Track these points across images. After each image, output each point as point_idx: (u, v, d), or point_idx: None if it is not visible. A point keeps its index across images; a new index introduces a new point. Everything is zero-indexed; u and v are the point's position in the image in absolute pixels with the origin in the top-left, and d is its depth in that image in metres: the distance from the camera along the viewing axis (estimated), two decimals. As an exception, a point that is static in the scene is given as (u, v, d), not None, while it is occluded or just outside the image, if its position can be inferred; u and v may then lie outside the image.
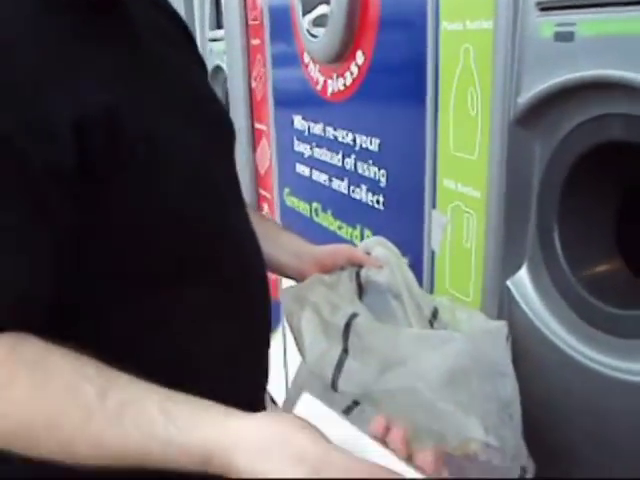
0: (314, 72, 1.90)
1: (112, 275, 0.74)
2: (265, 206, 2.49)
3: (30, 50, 0.68)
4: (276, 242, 1.12)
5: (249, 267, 0.92)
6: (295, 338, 1.11)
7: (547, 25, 0.99)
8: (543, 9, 0.99)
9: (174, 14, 0.99)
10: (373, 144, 1.63)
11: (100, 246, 0.72)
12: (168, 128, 0.78)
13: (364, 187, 1.71)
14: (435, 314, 1.11)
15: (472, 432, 0.93)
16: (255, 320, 0.92)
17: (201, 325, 0.81)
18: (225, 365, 0.84)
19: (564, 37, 0.96)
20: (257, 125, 2.49)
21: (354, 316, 1.03)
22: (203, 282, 0.81)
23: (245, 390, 0.86)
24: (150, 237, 0.75)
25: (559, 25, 0.97)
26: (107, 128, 0.70)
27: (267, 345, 1.00)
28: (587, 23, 0.93)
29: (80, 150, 0.68)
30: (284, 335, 2.25)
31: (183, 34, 1.00)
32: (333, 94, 1.82)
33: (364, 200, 1.71)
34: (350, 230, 1.82)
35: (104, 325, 0.74)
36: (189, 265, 0.79)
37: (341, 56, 1.70)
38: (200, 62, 1.04)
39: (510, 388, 1.01)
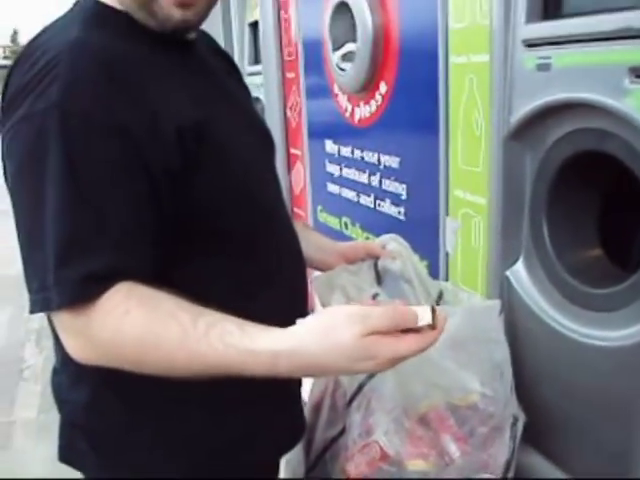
0: (343, 101, 2.15)
1: (183, 242, 0.98)
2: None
3: (142, 71, 0.95)
4: (305, 238, 1.34)
5: (295, 248, 1.15)
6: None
7: (530, 58, 1.22)
8: (528, 45, 1.22)
9: (227, 55, 1.26)
10: (394, 162, 1.86)
11: (185, 221, 0.96)
12: (236, 137, 1.05)
13: (388, 201, 1.94)
14: (440, 296, 1.33)
15: (471, 384, 1.14)
16: (296, 294, 1.15)
17: (251, 291, 1.04)
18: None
19: (543, 68, 1.19)
20: (292, 150, 2.74)
21: (376, 295, 1.25)
22: (259, 253, 1.06)
23: None
24: (222, 217, 1.00)
25: (540, 58, 1.20)
26: (196, 135, 0.95)
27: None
28: (560, 56, 1.16)
29: (178, 150, 0.93)
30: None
31: (234, 69, 1.27)
32: (360, 120, 2.06)
33: (388, 212, 1.94)
34: (376, 240, 2.04)
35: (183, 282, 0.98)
36: (247, 238, 1.04)
37: (366, 87, 1.94)
38: (247, 91, 1.30)
39: (501, 352, 1.23)
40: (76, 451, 1.10)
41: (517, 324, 1.34)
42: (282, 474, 1.36)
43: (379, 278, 1.39)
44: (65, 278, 0.85)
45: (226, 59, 1.27)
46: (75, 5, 1.05)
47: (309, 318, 0.82)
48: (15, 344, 4.04)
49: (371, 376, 1.24)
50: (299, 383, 1.23)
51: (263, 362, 0.80)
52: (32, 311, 0.89)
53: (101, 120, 0.88)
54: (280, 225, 1.14)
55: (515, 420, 1.23)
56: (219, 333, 0.82)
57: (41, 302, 0.87)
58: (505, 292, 1.38)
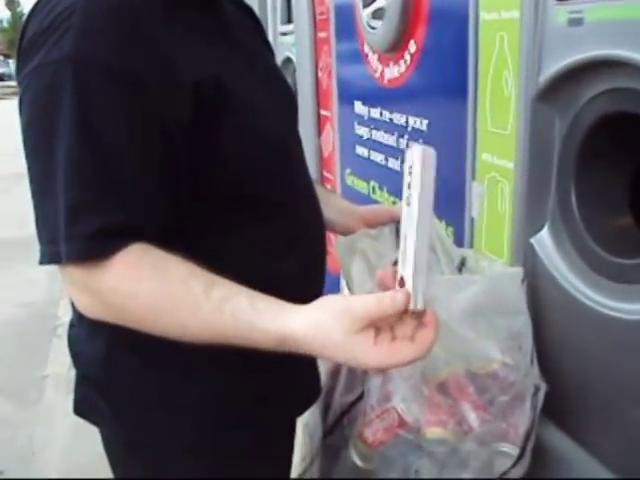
0: (373, 61, 2.08)
1: (202, 204, 0.96)
2: (328, 186, 2.68)
3: (161, 22, 0.92)
4: (327, 202, 1.32)
5: (316, 211, 1.13)
6: (346, 280, 1.31)
7: (562, 12, 1.15)
8: (559, -1, 1.15)
9: (250, 10, 1.23)
10: (422, 124, 1.80)
11: (203, 180, 0.94)
12: (258, 96, 1.02)
13: (415, 164, 1.88)
14: (463, 262, 1.29)
15: (492, 353, 1.11)
16: (316, 258, 1.13)
17: (271, 256, 1.02)
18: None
19: (575, 22, 1.12)
20: (322, 112, 2.69)
21: (396, 262, 1.21)
22: (279, 218, 1.03)
23: None
24: (241, 177, 0.98)
25: (571, 12, 1.12)
26: (214, 90, 0.92)
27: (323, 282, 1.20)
28: (593, 10, 1.09)
29: (195, 105, 0.90)
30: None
31: (257, 26, 1.23)
32: (389, 81, 1.99)
33: (415, 176, 1.88)
34: (403, 205, 2.00)
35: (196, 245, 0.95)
36: (267, 201, 1.02)
37: (396, 46, 1.87)
38: (271, 50, 1.27)
39: (522, 323, 1.19)
40: (90, 405, 1.10)
41: (540, 293, 1.29)
42: (299, 438, 1.36)
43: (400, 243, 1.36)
44: (77, 232, 0.84)
45: (250, 16, 1.23)
46: None
47: (313, 307, 0.81)
48: (52, 301, 4.14)
49: None
50: None
51: (271, 340, 0.81)
52: (41, 262, 0.88)
53: (114, 72, 0.86)
54: (301, 188, 1.11)
55: (536, 390, 1.20)
56: (231, 308, 0.82)
57: (50, 254, 0.87)
58: (529, 260, 1.33)
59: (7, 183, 7.81)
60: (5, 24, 50.89)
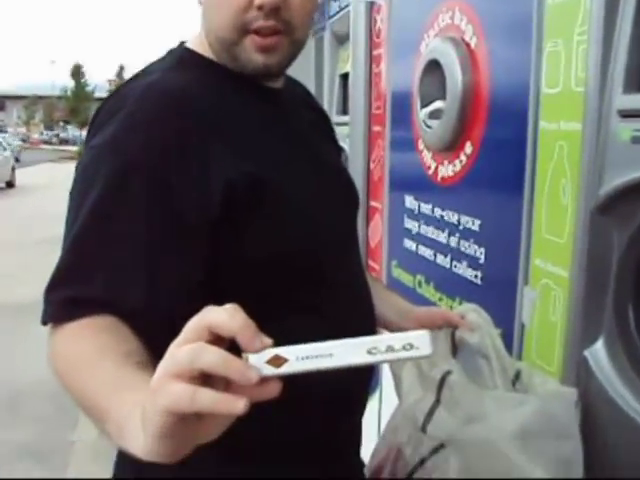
0: (427, 158, 2.12)
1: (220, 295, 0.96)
2: (373, 275, 2.69)
3: (209, 116, 0.96)
4: (384, 300, 1.31)
5: (359, 311, 1.11)
6: (395, 384, 1.29)
7: (626, 129, 1.15)
8: (623, 116, 1.16)
9: (320, 109, 1.26)
10: (475, 224, 1.80)
11: (222, 274, 0.96)
12: (304, 193, 1.03)
13: (464, 263, 1.87)
14: (518, 376, 1.26)
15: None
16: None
17: None
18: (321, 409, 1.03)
19: (639, 140, 1.12)
20: (372, 203, 2.72)
21: (448, 373, 1.19)
22: (309, 321, 1.01)
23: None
24: (268, 272, 0.98)
25: (635, 130, 1.13)
26: (249, 190, 0.95)
27: (363, 402, 1.17)
28: (658, 133, 1.09)
29: (224, 202, 0.93)
30: (380, 401, 2.39)
31: (326, 125, 1.26)
32: (443, 178, 2.02)
33: (464, 275, 1.88)
34: (450, 302, 1.98)
35: None
36: (300, 302, 1.01)
37: (452, 146, 1.90)
38: (337, 147, 1.30)
39: (571, 449, 1.14)
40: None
41: (594, 411, 1.24)
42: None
43: (455, 349, 1.34)
44: (52, 298, 0.92)
45: (319, 113, 1.26)
46: (168, 52, 1.09)
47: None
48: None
49: (434, 451, 1.19)
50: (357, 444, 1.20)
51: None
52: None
53: (143, 170, 0.92)
54: (342, 288, 1.10)
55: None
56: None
57: (42, 313, 0.94)
58: (582, 373, 1.29)
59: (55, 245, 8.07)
60: (69, 93, 53.33)
